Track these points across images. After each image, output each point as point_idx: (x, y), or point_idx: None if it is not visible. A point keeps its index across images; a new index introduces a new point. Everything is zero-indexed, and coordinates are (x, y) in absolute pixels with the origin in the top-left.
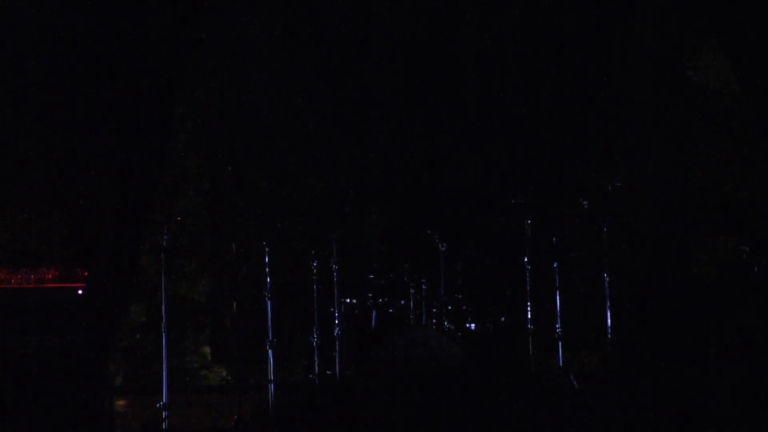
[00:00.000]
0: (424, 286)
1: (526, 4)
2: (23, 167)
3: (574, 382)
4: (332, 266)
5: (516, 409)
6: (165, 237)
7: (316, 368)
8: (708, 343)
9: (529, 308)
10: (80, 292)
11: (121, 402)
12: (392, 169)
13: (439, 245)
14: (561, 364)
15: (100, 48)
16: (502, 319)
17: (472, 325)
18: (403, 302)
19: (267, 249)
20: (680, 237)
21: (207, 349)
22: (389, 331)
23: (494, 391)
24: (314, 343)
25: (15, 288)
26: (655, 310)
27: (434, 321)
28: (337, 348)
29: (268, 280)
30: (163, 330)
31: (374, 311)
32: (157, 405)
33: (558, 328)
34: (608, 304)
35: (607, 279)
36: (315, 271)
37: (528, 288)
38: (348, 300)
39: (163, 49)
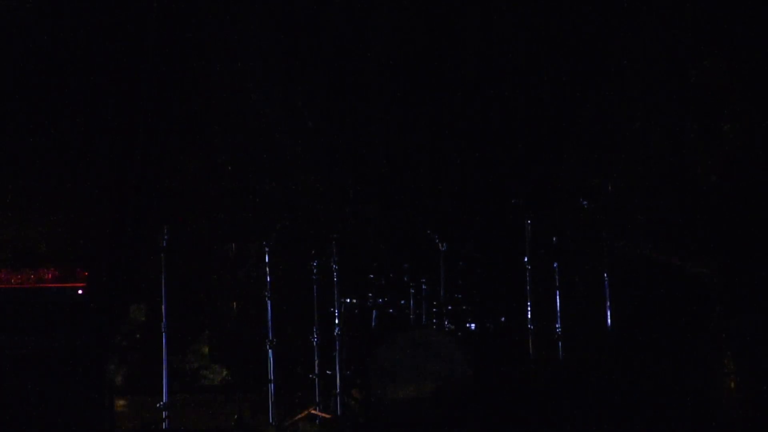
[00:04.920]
0: (424, 286)
1: (526, 3)
2: (24, 167)
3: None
4: (332, 266)
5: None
6: (165, 237)
7: (316, 368)
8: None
9: (529, 308)
10: (80, 292)
11: (121, 402)
12: (392, 169)
13: (439, 245)
14: (561, 364)
15: (101, 49)
16: (502, 319)
17: (472, 325)
18: (403, 302)
19: (267, 249)
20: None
21: (207, 349)
22: (389, 331)
23: (495, 390)
24: (314, 343)
25: (15, 288)
26: (655, 310)
27: (434, 321)
28: (337, 348)
29: (268, 280)
30: (163, 330)
31: (374, 311)
32: (157, 405)
33: (558, 327)
34: (608, 304)
35: (607, 279)
36: (315, 271)
37: (528, 288)
38: (348, 300)
39: (164, 49)
